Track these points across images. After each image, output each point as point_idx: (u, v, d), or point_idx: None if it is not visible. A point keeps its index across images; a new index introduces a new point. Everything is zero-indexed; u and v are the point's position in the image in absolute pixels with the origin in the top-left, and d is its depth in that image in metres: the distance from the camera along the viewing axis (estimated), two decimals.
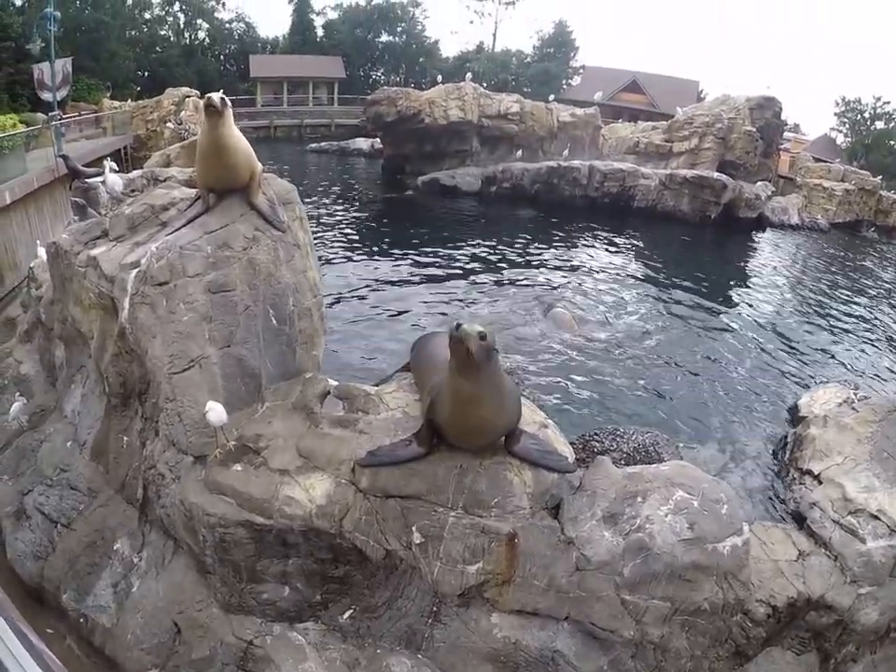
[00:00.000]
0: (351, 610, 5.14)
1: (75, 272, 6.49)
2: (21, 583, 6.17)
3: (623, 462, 6.11)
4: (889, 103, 41.98)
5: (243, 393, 5.44)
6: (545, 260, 16.57)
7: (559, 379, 9.63)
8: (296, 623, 5.23)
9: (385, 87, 27.08)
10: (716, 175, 23.18)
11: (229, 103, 5.49)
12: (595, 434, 6.90)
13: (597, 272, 16.29)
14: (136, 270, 5.51)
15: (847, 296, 17.81)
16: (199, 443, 5.25)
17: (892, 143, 40.54)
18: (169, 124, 24.61)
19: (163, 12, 49.93)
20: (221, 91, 5.61)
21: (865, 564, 5.27)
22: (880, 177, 30.20)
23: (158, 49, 46.77)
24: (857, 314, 16.22)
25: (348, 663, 5.08)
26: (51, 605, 6.11)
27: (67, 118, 23.37)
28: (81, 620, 5.84)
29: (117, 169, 9.88)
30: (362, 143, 34.16)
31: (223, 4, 53.09)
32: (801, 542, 5.63)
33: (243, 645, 5.18)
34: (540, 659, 4.79)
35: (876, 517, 5.49)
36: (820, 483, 6.17)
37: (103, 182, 8.96)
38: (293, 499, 4.84)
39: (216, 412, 4.93)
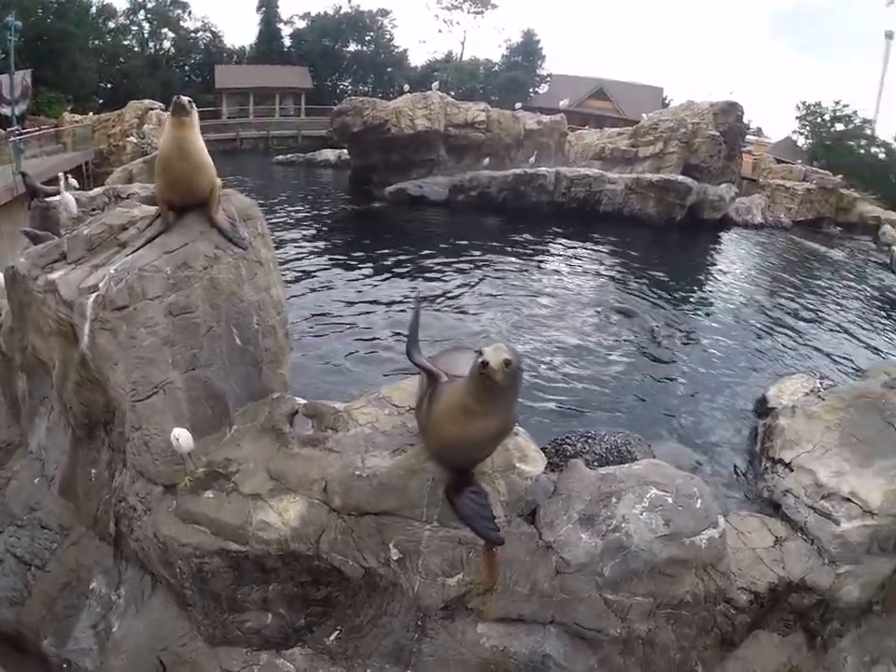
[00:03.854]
0: (337, 632, 5.07)
1: (33, 297, 6.28)
2: None
3: (596, 464, 6.11)
4: (847, 105, 43.33)
5: (210, 417, 5.32)
6: (513, 267, 16.62)
7: (529, 385, 9.48)
8: (283, 650, 5.14)
9: (352, 97, 26.95)
10: (681, 178, 23.65)
11: (195, 108, 5.42)
12: (568, 438, 6.89)
13: (566, 275, 16.36)
14: (95, 294, 5.34)
15: (810, 289, 18.32)
16: (168, 472, 5.12)
17: (852, 144, 41.55)
18: (131, 138, 24.09)
19: (128, 21, 48.84)
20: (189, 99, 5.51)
21: (842, 544, 5.37)
22: (840, 177, 31.26)
23: (121, 59, 45.79)
24: (819, 306, 16.65)
25: None
26: (32, 652, 5.94)
27: (26, 132, 22.78)
28: (64, 665, 5.69)
29: (78, 186, 9.62)
30: (329, 154, 33.93)
31: (189, 12, 52.39)
32: (777, 529, 5.73)
33: None
34: (530, 664, 4.78)
35: (849, 499, 5.59)
36: (792, 470, 6.24)
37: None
38: (267, 524, 4.76)
39: (182, 438, 4.82)
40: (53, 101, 34.48)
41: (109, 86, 43.72)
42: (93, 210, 7.74)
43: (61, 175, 9.47)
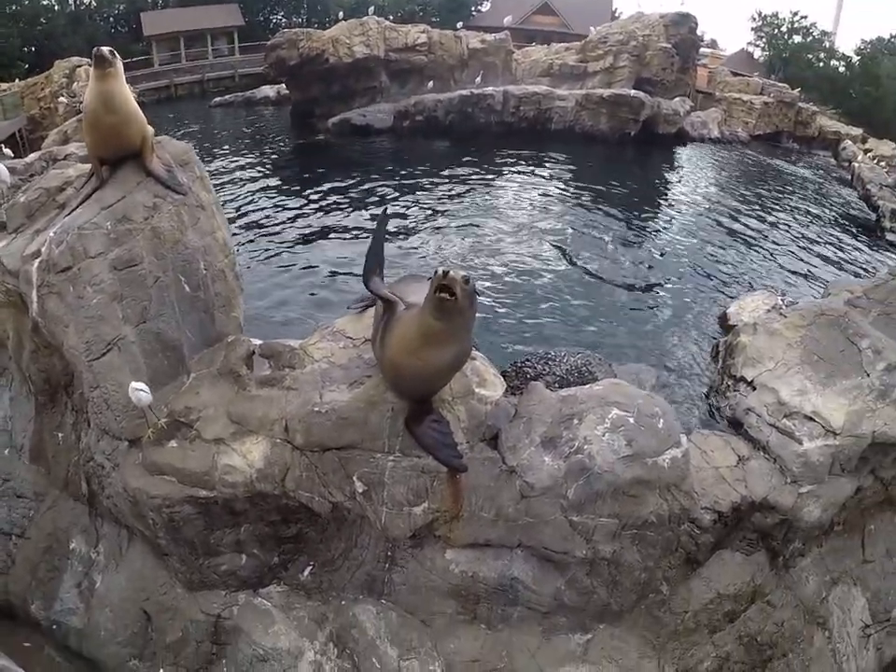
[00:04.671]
0: (310, 567, 5.21)
1: None
2: None
3: (557, 385, 6.07)
4: (806, 17, 42.68)
5: (166, 367, 5.29)
6: (464, 190, 16.28)
7: (486, 308, 9.35)
8: (259, 589, 5.30)
9: (286, 29, 25.90)
10: (633, 92, 23.20)
11: (118, 56, 5.19)
12: (527, 360, 6.82)
13: (519, 196, 16.08)
14: (38, 259, 5.22)
15: (769, 205, 18.12)
16: (131, 426, 5.12)
17: (810, 56, 41.03)
18: (62, 98, 22.89)
19: None
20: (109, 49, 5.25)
21: (804, 464, 5.39)
22: (798, 90, 30.65)
23: (42, 20, 42.89)
24: (779, 223, 16.52)
25: (316, 619, 5.20)
26: (22, 618, 6.07)
27: None
28: (54, 627, 5.84)
29: (12, 155, 9.22)
30: (268, 90, 32.48)
31: None
32: (739, 448, 5.73)
33: (212, 619, 5.26)
34: (500, 588, 4.95)
35: (811, 418, 5.57)
36: (754, 388, 6.19)
37: None
38: (232, 467, 4.81)
39: (140, 391, 4.79)
40: None
41: (33, 50, 41.51)
42: (31, 177, 7.44)
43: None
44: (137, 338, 5.10)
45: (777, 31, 42.97)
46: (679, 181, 20.14)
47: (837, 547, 5.98)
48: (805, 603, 5.66)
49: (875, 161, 23.66)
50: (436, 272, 3.97)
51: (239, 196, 15.52)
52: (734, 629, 5.35)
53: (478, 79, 24.42)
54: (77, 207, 5.26)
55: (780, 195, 19.62)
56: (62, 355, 5.44)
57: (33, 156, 8.21)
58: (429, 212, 14.41)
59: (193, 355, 5.50)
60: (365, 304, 5.64)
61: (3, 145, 10.19)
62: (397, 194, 15.72)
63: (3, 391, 6.88)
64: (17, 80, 28.30)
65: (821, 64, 40.46)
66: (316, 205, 14.77)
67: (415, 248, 12.07)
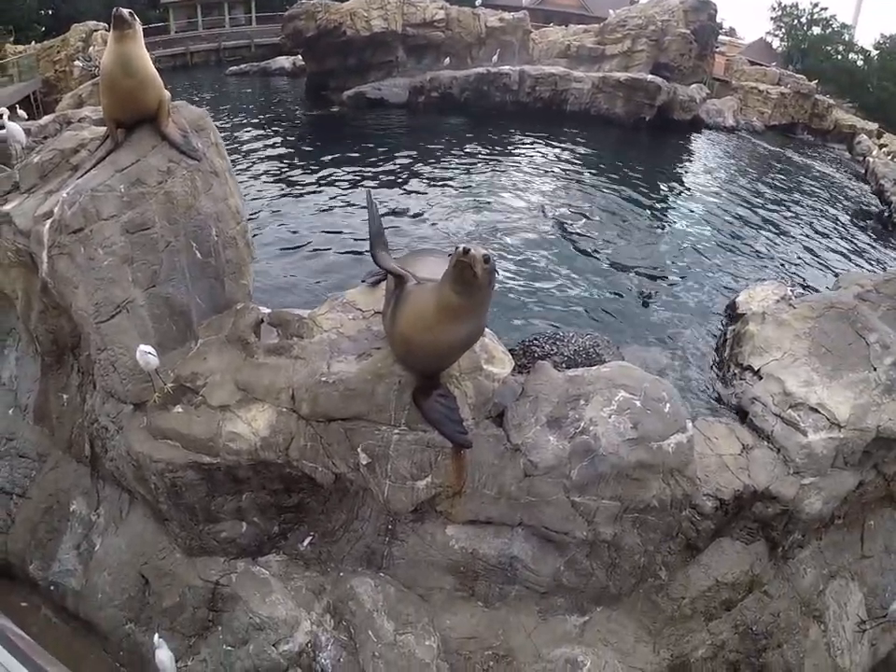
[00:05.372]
0: (310, 537, 5.23)
1: None
2: None
3: (564, 366, 6.07)
4: (826, 9, 42.45)
5: (174, 332, 5.27)
6: (477, 169, 16.23)
7: (497, 287, 9.26)
8: (258, 558, 5.32)
9: (303, 1, 25.95)
10: (650, 77, 22.98)
11: (137, 19, 5.15)
12: (535, 339, 6.85)
13: (533, 176, 16.03)
14: (50, 220, 5.19)
15: (782, 196, 18.01)
16: (136, 390, 5.11)
17: (829, 48, 40.92)
18: (77, 62, 22.94)
19: None
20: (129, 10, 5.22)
21: (807, 455, 5.40)
22: (816, 81, 30.37)
23: None
24: (791, 213, 16.42)
25: (314, 589, 5.21)
26: (21, 578, 6.11)
27: None
28: (51, 588, 5.87)
29: (27, 117, 9.17)
30: (284, 61, 32.57)
31: None
32: (744, 436, 5.73)
33: (210, 586, 5.28)
34: (499, 566, 4.96)
35: (816, 410, 5.58)
36: (760, 378, 6.20)
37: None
38: (237, 434, 4.81)
39: (147, 355, 4.78)
40: None
41: (50, 12, 41.32)
42: (45, 139, 7.41)
43: (4, 109, 8.99)
44: (146, 302, 5.09)
45: (796, 21, 42.91)
46: (693, 168, 20.06)
47: (836, 541, 6.00)
48: (801, 595, 5.68)
49: (890, 157, 23.48)
50: (457, 248, 3.95)
51: (252, 164, 15.49)
52: (730, 618, 5.37)
53: (494, 58, 24.41)
54: (91, 169, 5.23)
55: (793, 187, 19.46)
56: (70, 316, 5.43)
57: (47, 118, 8.18)
58: (442, 188, 14.33)
59: (202, 321, 5.48)
60: (378, 278, 5.62)
61: (17, 106, 10.13)
62: (409, 169, 15.65)
63: (9, 351, 6.90)
64: (33, 43, 28.25)
65: (840, 57, 40.28)
66: (329, 177, 14.70)
67: (427, 224, 12.01)
